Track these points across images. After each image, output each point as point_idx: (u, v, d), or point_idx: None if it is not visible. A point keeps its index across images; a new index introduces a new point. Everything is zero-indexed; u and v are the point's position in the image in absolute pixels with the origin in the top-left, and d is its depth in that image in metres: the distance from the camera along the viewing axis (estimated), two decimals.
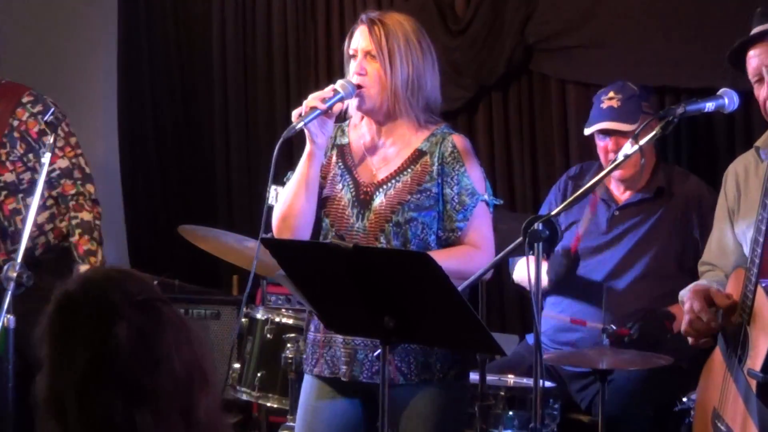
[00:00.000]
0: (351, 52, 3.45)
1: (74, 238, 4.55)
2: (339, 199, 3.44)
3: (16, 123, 4.54)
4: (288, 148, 3.55)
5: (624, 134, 4.30)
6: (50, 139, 3.91)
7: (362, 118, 3.52)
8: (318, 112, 3.32)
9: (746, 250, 3.27)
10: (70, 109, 4.35)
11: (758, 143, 3.39)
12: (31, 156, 4.55)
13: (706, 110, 3.26)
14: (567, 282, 4.41)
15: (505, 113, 5.38)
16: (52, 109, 4.01)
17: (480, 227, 3.42)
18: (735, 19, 4.67)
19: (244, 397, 4.61)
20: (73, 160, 4.61)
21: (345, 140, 3.54)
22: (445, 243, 3.42)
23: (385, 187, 3.41)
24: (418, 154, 3.43)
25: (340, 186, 3.46)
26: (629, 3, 4.99)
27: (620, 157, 3.27)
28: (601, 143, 4.45)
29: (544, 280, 4.30)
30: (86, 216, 4.57)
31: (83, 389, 1.82)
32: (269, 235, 3.46)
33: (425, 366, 3.36)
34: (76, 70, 6.61)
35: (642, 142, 3.19)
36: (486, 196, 3.44)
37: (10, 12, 6.43)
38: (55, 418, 1.85)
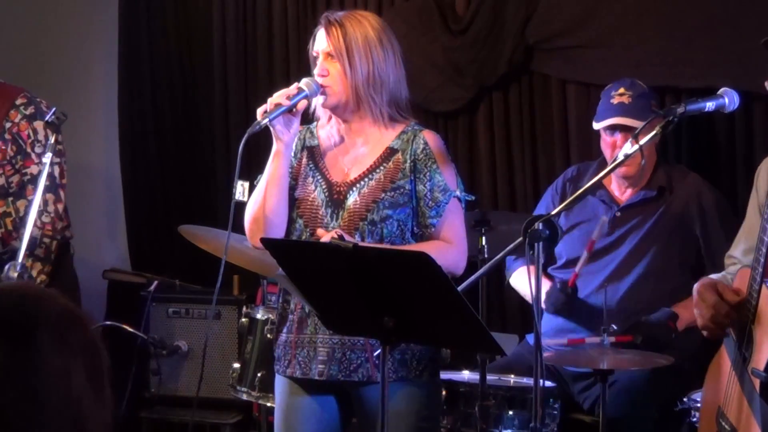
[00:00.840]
0: (314, 54, 3.48)
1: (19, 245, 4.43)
2: (312, 199, 3.46)
3: (8, 125, 4.52)
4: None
5: (634, 130, 4.30)
6: (51, 140, 3.90)
7: (330, 118, 3.55)
8: (283, 108, 3.34)
9: None
10: (71, 109, 4.33)
11: None
12: (19, 158, 4.52)
13: (706, 110, 3.26)
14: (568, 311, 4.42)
15: (506, 113, 5.38)
16: (53, 109, 3.99)
17: (453, 223, 3.45)
18: (735, 18, 4.68)
19: (244, 397, 4.61)
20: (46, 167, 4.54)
21: (315, 141, 3.57)
22: (419, 239, 3.45)
23: (358, 185, 3.43)
24: (390, 152, 3.45)
25: (312, 187, 3.48)
26: (629, 3, 4.99)
27: (620, 156, 3.27)
28: (608, 138, 4.43)
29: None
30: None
31: None
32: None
33: (402, 363, 3.39)
34: (76, 70, 6.61)
35: (642, 141, 3.19)
36: (458, 192, 3.46)
37: (9, 13, 6.43)
38: None
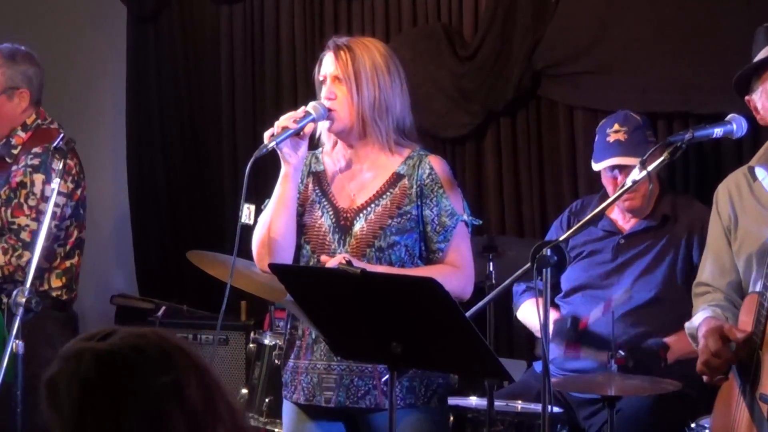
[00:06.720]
0: (320, 78, 3.50)
1: None
2: (319, 225, 3.46)
3: (14, 168, 4.43)
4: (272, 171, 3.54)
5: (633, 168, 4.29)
6: (59, 165, 3.89)
7: (335, 144, 3.55)
8: (290, 132, 3.35)
9: (741, 269, 3.33)
10: (78, 133, 4.33)
11: (752, 162, 3.40)
12: (5, 209, 4.40)
13: (714, 136, 3.27)
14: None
15: (513, 139, 5.38)
16: (61, 135, 3.97)
17: (459, 248, 3.46)
18: (743, 44, 4.68)
19: (252, 422, 4.60)
20: None
21: (320, 167, 3.57)
22: (427, 263, 3.46)
23: (365, 212, 3.43)
24: (396, 178, 3.46)
25: (319, 213, 3.48)
26: (637, 29, 4.99)
27: (628, 182, 3.26)
28: (609, 175, 4.42)
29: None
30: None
31: None
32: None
33: (410, 390, 3.39)
34: (84, 98, 6.64)
35: (650, 167, 3.18)
36: (465, 216, 3.47)
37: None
38: None
